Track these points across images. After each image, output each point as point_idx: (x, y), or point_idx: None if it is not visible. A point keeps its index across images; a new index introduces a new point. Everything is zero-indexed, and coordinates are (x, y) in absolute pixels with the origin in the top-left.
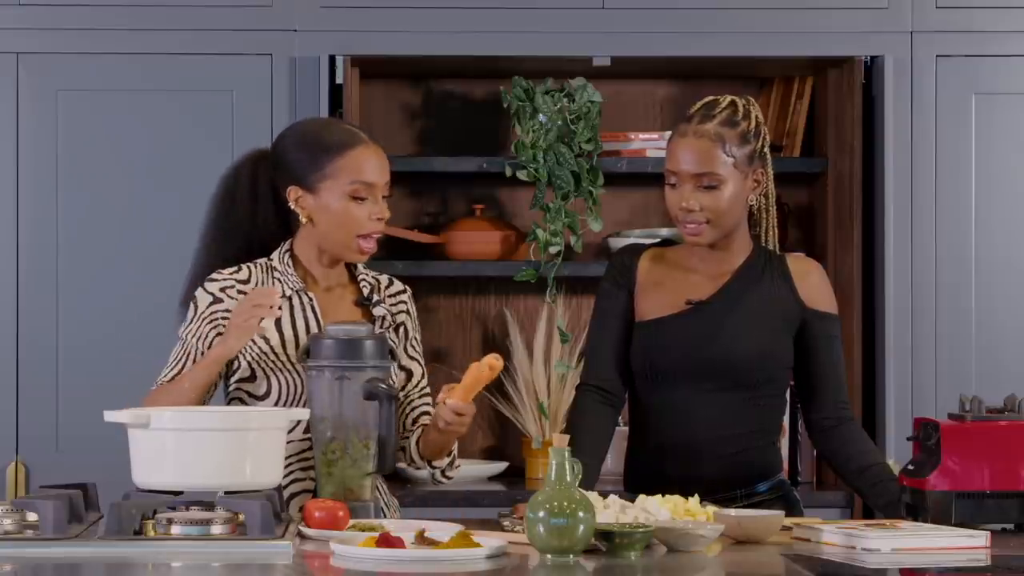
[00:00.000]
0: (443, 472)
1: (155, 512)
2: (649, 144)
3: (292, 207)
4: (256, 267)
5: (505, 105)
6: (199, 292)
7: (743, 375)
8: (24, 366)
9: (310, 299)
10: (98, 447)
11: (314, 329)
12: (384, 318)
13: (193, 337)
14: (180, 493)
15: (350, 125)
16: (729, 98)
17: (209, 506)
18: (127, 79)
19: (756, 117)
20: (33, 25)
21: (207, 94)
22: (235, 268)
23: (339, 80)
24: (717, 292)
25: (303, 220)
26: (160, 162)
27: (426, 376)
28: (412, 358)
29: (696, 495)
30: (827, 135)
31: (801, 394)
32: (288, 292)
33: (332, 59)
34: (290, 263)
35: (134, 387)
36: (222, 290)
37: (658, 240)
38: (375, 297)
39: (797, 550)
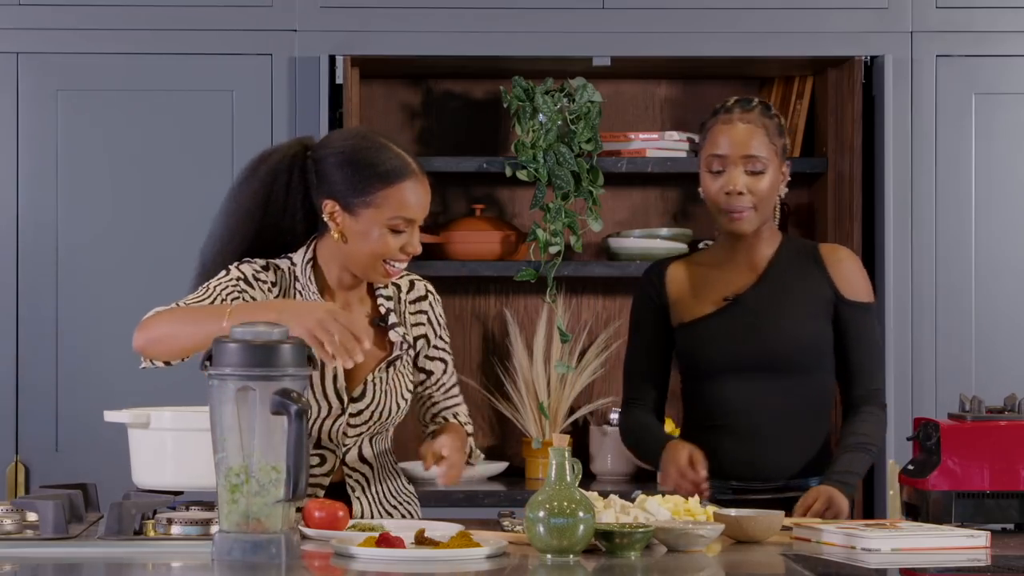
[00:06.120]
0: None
1: (155, 512)
2: (649, 144)
3: (325, 219)
4: (280, 274)
5: (505, 105)
6: (232, 267)
7: (787, 363)
8: (24, 366)
9: None
10: (98, 447)
11: None
12: (400, 343)
13: (221, 288)
14: (180, 493)
15: (401, 151)
16: (756, 97)
17: (209, 506)
18: (127, 79)
19: (781, 116)
20: (33, 25)
21: (207, 94)
22: (262, 266)
23: (339, 80)
24: (754, 284)
25: (335, 235)
26: (160, 162)
27: (450, 373)
28: (432, 358)
29: (743, 483)
30: (827, 135)
31: (838, 379)
32: None
33: (332, 59)
34: (312, 277)
35: (134, 387)
36: (255, 278)
37: (681, 253)
38: (392, 318)
39: (797, 550)
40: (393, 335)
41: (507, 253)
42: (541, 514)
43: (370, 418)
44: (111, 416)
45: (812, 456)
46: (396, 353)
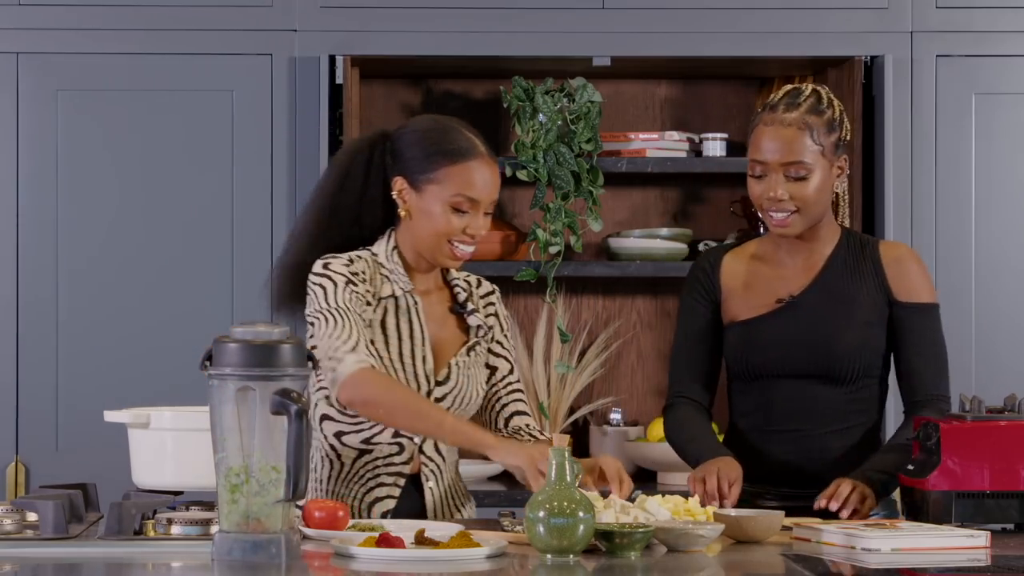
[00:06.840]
0: None
1: (155, 512)
2: (649, 144)
3: (394, 196)
4: (365, 263)
5: (505, 105)
6: (324, 273)
7: (841, 369)
8: (24, 366)
9: (415, 301)
10: (98, 447)
11: (419, 334)
12: (479, 328)
13: (349, 304)
14: (180, 493)
15: (472, 134)
16: (811, 87)
17: (209, 506)
18: (127, 79)
19: (838, 105)
20: (33, 25)
21: (207, 94)
22: (347, 260)
23: (339, 80)
24: (809, 286)
25: (401, 213)
26: (160, 162)
27: (516, 371)
28: (497, 355)
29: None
30: None
31: (898, 379)
32: (397, 292)
33: (332, 59)
34: (398, 260)
35: (134, 387)
36: (352, 273)
37: (733, 242)
38: (470, 305)
39: (797, 550)
40: (472, 319)
41: (507, 253)
42: (541, 514)
43: (452, 404)
44: (111, 416)
45: (861, 463)
46: (474, 339)
